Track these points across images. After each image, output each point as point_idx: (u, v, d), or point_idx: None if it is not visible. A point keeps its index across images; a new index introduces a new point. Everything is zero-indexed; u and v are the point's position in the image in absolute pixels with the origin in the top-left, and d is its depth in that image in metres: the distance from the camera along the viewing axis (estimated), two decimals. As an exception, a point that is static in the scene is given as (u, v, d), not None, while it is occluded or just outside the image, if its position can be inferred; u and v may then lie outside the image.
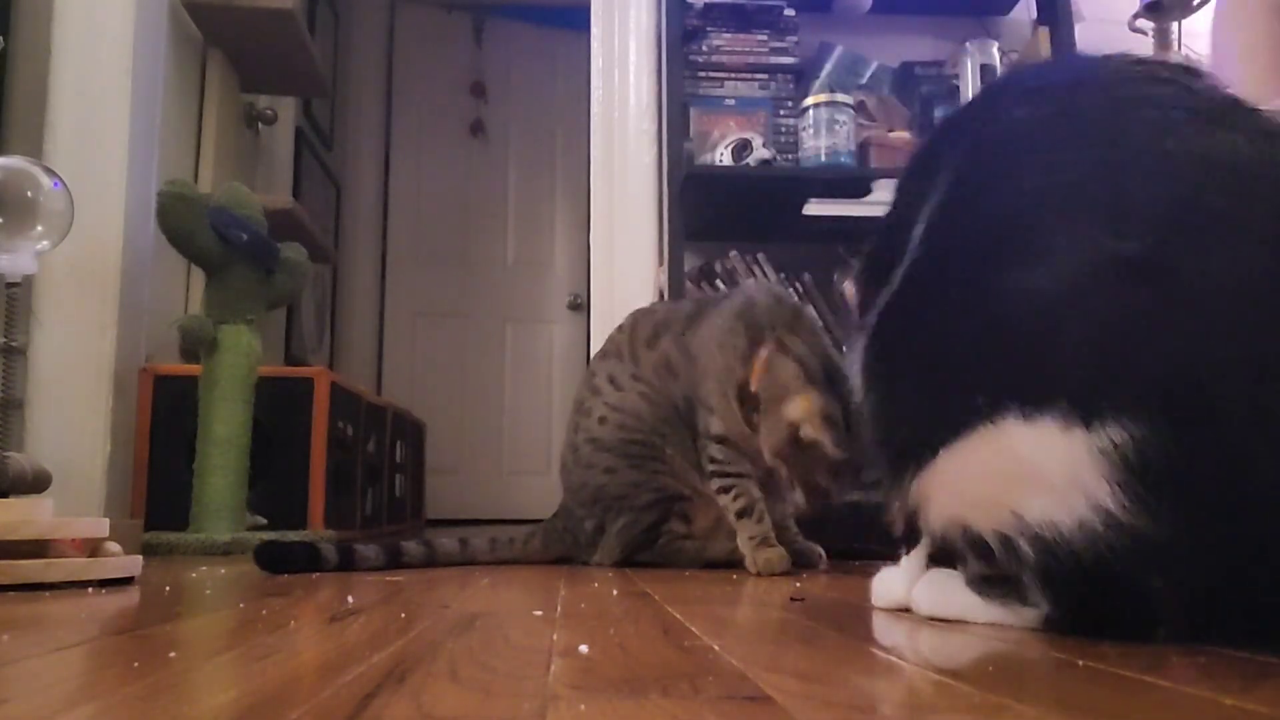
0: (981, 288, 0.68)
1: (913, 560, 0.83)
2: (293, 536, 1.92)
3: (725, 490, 1.38)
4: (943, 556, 0.79)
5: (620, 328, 1.57)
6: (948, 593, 0.78)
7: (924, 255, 0.74)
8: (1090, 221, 0.64)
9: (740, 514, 1.36)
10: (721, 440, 1.38)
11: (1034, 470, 0.65)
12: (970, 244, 0.70)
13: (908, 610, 0.83)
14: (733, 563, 1.41)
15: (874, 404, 0.77)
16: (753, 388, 1.33)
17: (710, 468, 1.40)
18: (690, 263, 2.27)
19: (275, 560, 1.30)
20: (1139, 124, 0.67)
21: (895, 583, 0.85)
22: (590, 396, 1.52)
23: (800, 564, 1.39)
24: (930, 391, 0.71)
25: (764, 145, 2.16)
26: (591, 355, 2.35)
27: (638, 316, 1.55)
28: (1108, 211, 0.64)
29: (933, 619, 0.78)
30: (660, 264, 2.31)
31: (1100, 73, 0.72)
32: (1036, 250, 0.65)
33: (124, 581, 1.16)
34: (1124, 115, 0.68)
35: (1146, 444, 0.61)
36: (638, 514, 1.44)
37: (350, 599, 0.96)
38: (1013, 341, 0.66)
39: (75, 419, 2.04)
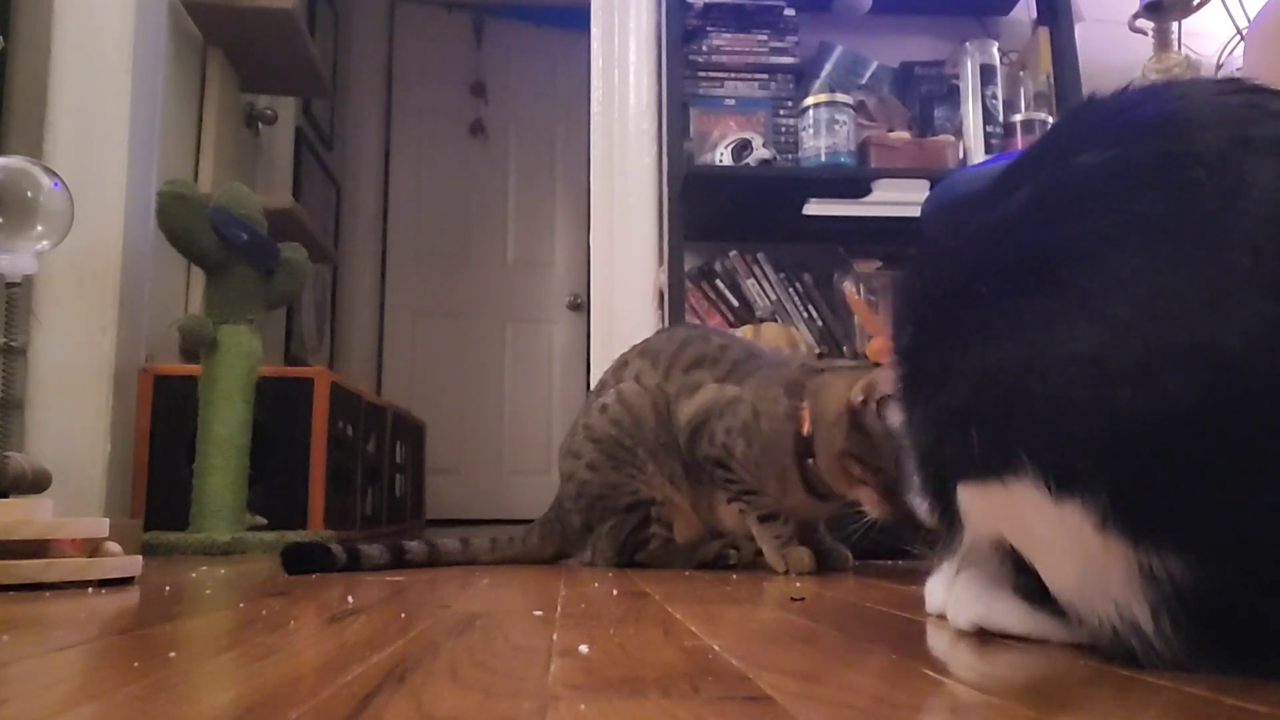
0: (1020, 324, 0.57)
1: (951, 565, 0.74)
2: (293, 536, 1.92)
3: (746, 501, 1.37)
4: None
5: (670, 336, 1.55)
6: (985, 600, 0.68)
7: (973, 279, 0.63)
8: (1174, 293, 0.51)
9: (763, 519, 1.36)
10: (725, 464, 1.38)
11: (1049, 550, 0.57)
12: (1020, 277, 0.58)
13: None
14: (722, 563, 1.41)
15: (912, 423, 0.69)
16: (805, 430, 1.30)
17: (727, 487, 1.39)
18: (690, 263, 2.27)
19: (300, 560, 1.32)
20: (1268, 176, 0.52)
21: (941, 589, 0.76)
22: (612, 383, 1.52)
23: (827, 565, 1.38)
24: (955, 425, 0.61)
25: (764, 145, 2.16)
26: (592, 355, 2.36)
27: (690, 336, 1.52)
28: (1203, 287, 0.50)
29: (966, 631, 0.69)
30: (660, 264, 2.31)
31: (1226, 109, 0.57)
32: (1097, 303, 0.53)
33: (124, 581, 1.16)
34: (1249, 166, 0.52)
35: (1210, 589, 0.50)
36: (621, 516, 1.44)
37: (350, 599, 0.96)
38: (1042, 399, 0.54)
39: (75, 419, 2.04)
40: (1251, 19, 1.32)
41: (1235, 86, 0.59)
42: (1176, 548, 0.51)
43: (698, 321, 2.23)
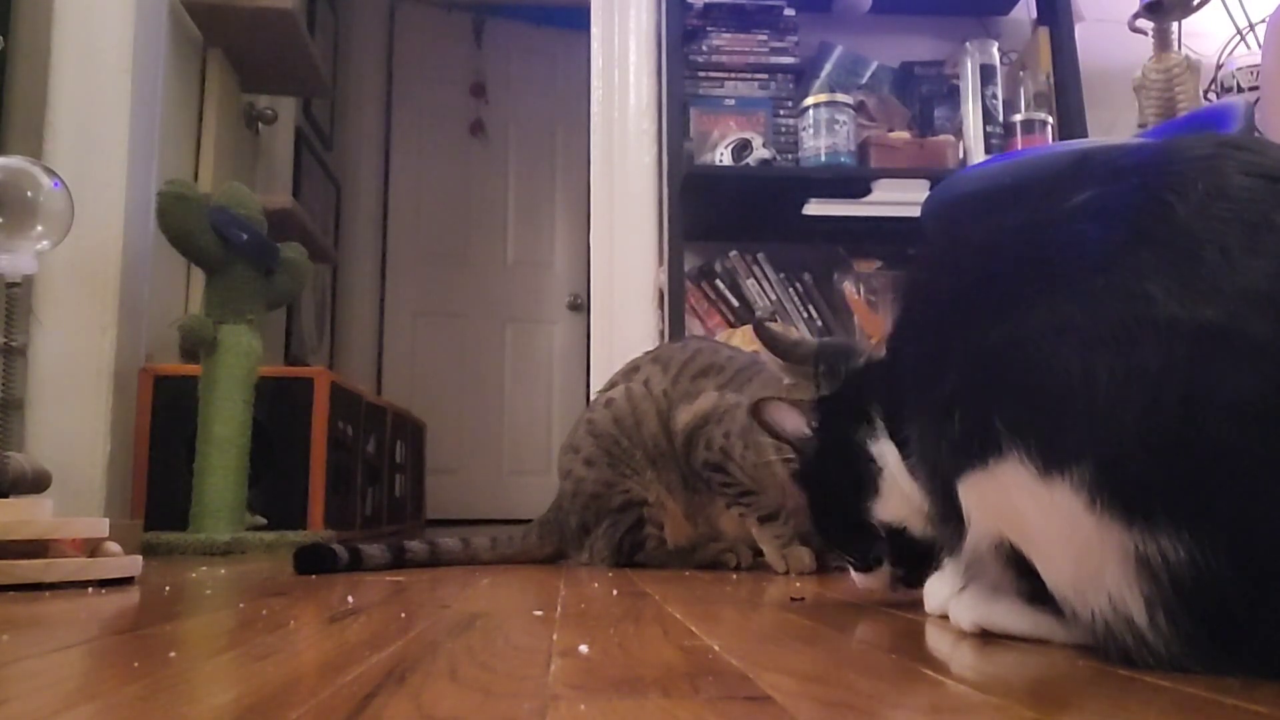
0: (1002, 308, 0.58)
1: (953, 565, 0.73)
2: (293, 536, 1.92)
3: (745, 504, 1.37)
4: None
5: (684, 346, 1.55)
6: (988, 601, 0.68)
7: (963, 284, 0.65)
8: (1151, 273, 0.53)
9: (763, 519, 1.36)
10: (723, 468, 1.38)
11: (1043, 539, 0.57)
12: (1006, 275, 0.61)
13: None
14: (722, 566, 1.41)
15: (914, 428, 0.70)
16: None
17: (724, 491, 1.39)
18: (690, 263, 2.27)
19: (311, 562, 1.32)
20: (1235, 189, 0.55)
21: (943, 588, 0.76)
22: (621, 383, 1.53)
23: (828, 565, 1.38)
24: (945, 416, 0.62)
25: (764, 145, 2.16)
26: (592, 355, 2.36)
27: (701, 347, 1.53)
28: (1178, 273, 0.52)
29: (972, 633, 0.69)
30: (660, 264, 2.31)
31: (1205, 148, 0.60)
32: (1075, 282, 0.55)
33: (124, 581, 1.15)
34: (1219, 184, 0.55)
35: (1205, 576, 0.49)
36: (615, 516, 1.44)
37: (350, 599, 0.96)
38: (1020, 370, 0.55)
39: (75, 419, 2.03)
40: (1268, 16, 1.31)
41: (1208, 137, 0.62)
42: (1170, 525, 0.50)
43: (698, 322, 2.23)
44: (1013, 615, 0.66)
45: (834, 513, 0.87)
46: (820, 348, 1.18)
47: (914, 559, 0.82)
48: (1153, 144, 0.63)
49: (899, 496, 0.79)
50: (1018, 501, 0.56)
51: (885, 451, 0.79)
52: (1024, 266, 0.60)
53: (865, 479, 0.80)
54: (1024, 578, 0.62)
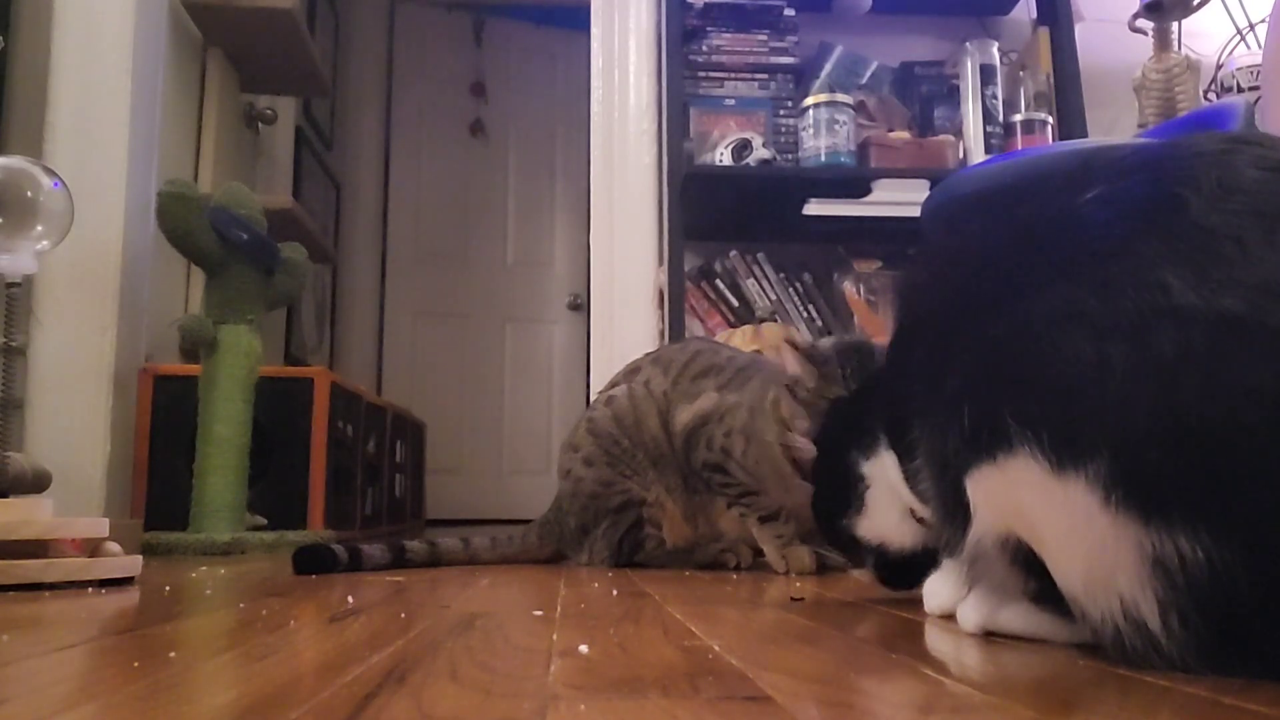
0: (1010, 297, 0.57)
1: (953, 564, 0.72)
2: (293, 536, 1.92)
3: (746, 504, 1.37)
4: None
5: (684, 347, 1.56)
6: (992, 603, 0.67)
7: (968, 276, 0.64)
8: (1164, 262, 0.51)
9: (764, 520, 1.36)
10: (724, 468, 1.38)
11: (1055, 537, 0.55)
12: (1013, 264, 0.60)
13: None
14: (722, 565, 1.41)
15: (921, 427, 0.69)
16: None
17: (724, 492, 1.39)
18: (690, 263, 2.28)
19: (310, 563, 1.32)
20: (1247, 182, 0.53)
21: (943, 588, 0.76)
22: (623, 383, 1.53)
23: (828, 565, 1.38)
24: (954, 412, 0.60)
25: (764, 145, 2.16)
26: (592, 355, 2.36)
27: (701, 348, 1.53)
28: (1193, 266, 0.50)
29: (974, 633, 0.68)
30: (660, 264, 2.31)
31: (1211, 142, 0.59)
32: (1086, 270, 0.54)
33: (124, 581, 1.15)
34: (1231, 178, 0.54)
35: (1222, 578, 0.48)
36: (614, 516, 1.44)
37: (350, 599, 0.96)
38: (1030, 359, 0.54)
39: (75, 419, 2.03)
40: (1268, 15, 1.31)
41: (1217, 134, 0.60)
42: (1187, 524, 0.48)
43: (698, 322, 2.23)
44: (1019, 617, 0.66)
45: (828, 515, 0.89)
46: (840, 349, 1.20)
47: (894, 569, 0.84)
48: (1159, 142, 0.62)
49: (881, 515, 0.81)
50: (1028, 498, 0.55)
51: (879, 466, 0.79)
52: (1031, 256, 0.58)
53: (851, 496, 0.83)
54: (1031, 576, 0.61)
